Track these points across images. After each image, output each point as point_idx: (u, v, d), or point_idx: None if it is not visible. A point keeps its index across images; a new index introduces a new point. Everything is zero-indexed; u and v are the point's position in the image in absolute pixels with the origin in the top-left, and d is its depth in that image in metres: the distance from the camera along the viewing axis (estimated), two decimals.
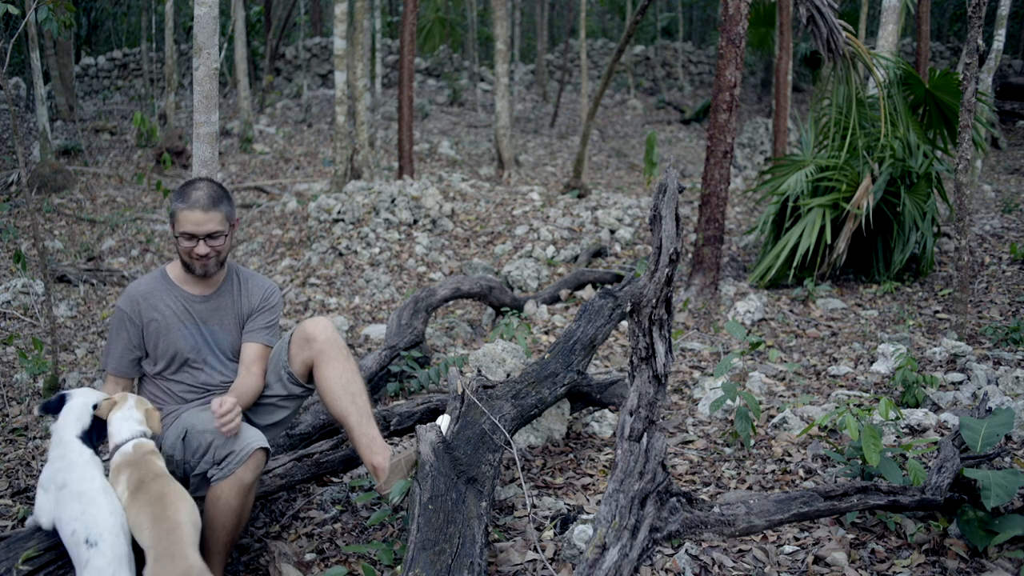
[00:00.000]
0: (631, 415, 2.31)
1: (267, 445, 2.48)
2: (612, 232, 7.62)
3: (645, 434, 2.28)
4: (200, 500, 2.40)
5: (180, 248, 2.68)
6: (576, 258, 7.12)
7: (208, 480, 2.43)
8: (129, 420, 2.42)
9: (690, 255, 6.44)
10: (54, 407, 2.41)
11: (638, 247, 7.36)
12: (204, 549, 2.29)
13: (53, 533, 2.25)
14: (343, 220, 8.23)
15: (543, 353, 3.47)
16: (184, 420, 2.55)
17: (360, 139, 10.57)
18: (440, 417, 2.77)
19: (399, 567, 2.44)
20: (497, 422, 2.72)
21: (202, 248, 2.64)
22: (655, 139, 11.32)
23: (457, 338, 5.46)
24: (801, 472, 3.02)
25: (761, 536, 2.56)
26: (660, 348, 2.31)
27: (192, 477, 2.50)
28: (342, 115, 9.95)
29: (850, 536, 2.49)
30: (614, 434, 3.50)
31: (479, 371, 3.90)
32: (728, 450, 3.29)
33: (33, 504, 3.12)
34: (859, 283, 6.12)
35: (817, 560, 2.38)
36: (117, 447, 2.36)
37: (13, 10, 4.08)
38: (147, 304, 2.70)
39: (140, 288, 2.74)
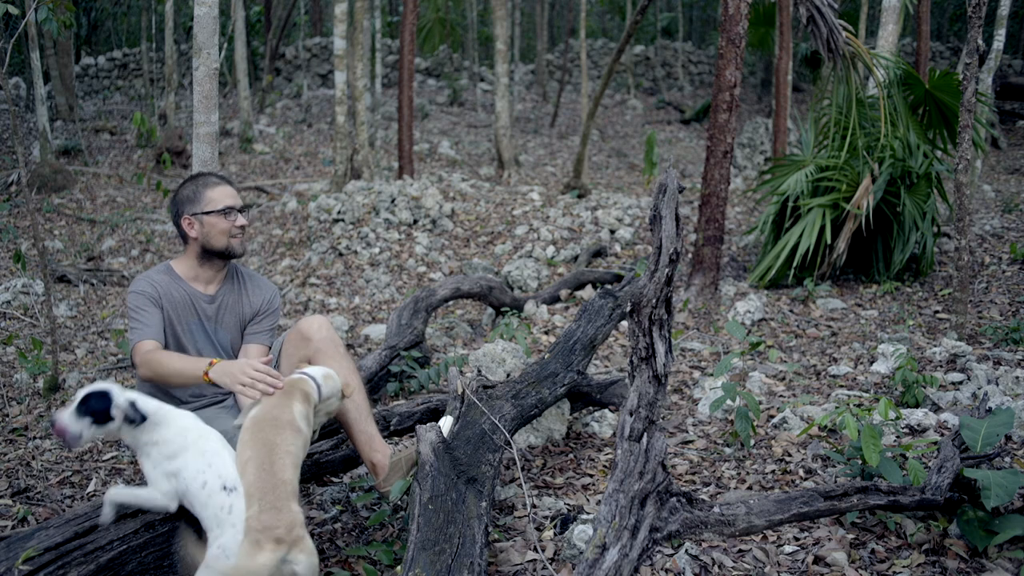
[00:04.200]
0: (631, 415, 2.31)
1: None
2: (612, 232, 7.61)
3: (645, 434, 2.28)
4: None
5: (217, 230, 2.67)
6: (576, 258, 7.11)
7: None
8: None
9: (690, 255, 6.44)
10: (100, 412, 2.20)
11: (638, 247, 7.36)
12: None
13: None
14: (343, 220, 8.23)
15: (543, 353, 3.47)
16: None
17: (360, 139, 10.57)
18: (443, 418, 2.76)
19: (399, 567, 2.44)
20: (497, 422, 2.72)
21: (242, 219, 2.70)
22: (655, 139, 11.32)
23: (457, 338, 5.46)
24: (801, 472, 3.02)
25: (761, 536, 2.56)
26: (660, 348, 2.31)
27: None
28: (342, 115, 9.95)
29: (850, 536, 2.49)
30: (614, 434, 3.50)
31: (479, 371, 3.90)
32: (728, 450, 3.29)
33: (36, 505, 3.13)
34: (859, 283, 6.12)
35: (817, 560, 2.38)
36: None
37: (13, 10, 4.08)
38: (162, 290, 2.67)
39: (151, 277, 2.70)
